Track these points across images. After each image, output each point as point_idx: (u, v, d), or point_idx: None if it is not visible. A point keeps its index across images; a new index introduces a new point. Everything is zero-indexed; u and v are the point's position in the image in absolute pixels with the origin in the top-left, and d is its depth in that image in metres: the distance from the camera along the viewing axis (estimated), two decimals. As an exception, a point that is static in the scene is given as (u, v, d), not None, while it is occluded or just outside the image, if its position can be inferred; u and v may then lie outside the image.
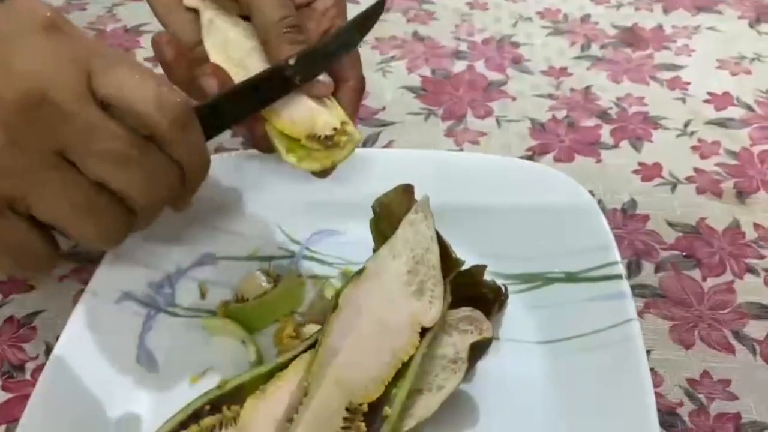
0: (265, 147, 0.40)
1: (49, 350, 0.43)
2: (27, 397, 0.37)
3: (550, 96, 0.61)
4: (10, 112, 0.30)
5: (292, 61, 0.38)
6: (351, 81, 0.41)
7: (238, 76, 0.38)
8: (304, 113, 0.39)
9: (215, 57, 0.39)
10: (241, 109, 0.37)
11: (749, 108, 0.60)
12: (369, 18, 0.41)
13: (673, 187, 0.53)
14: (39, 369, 0.41)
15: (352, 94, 0.41)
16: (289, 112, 0.39)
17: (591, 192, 0.48)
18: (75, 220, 0.32)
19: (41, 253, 0.34)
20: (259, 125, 0.39)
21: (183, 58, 0.38)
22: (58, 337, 0.40)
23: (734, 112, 0.59)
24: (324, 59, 0.39)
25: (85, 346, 0.40)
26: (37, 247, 0.34)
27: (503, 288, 0.42)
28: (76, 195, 0.32)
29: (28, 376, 0.42)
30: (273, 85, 0.38)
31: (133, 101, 0.31)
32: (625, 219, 0.51)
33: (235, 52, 0.39)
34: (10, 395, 0.41)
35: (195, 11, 0.40)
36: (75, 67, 0.31)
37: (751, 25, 0.69)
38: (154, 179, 0.33)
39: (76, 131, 0.31)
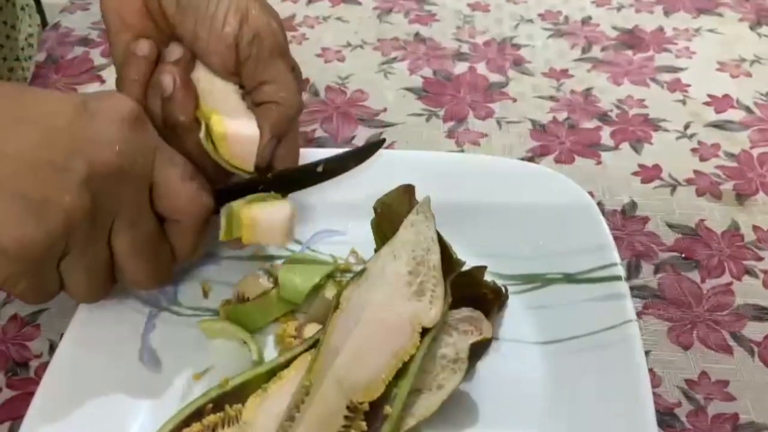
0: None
1: (52, 348, 0.43)
2: (31, 394, 0.38)
3: (551, 98, 0.61)
4: (98, 176, 0.35)
5: (320, 168, 0.43)
6: (278, 104, 0.42)
7: (225, 123, 0.41)
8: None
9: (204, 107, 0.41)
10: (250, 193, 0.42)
11: (749, 110, 0.60)
12: (369, 151, 0.46)
13: (673, 188, 0.53)
14: (43, 367, 0.41)
15: (272, 114, 0.42)
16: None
17: (591, 193, 0.48)
18: (81, 283, 0.38)
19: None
20: None
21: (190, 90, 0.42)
22: (61, 336, 0.40)
23: (734, 114, 0.60)
24: (326, 175, 0.44)
25: (88, 345, 0.40)
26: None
27: (503, 289, 0.43)
28: (95, 262, 0.37)
29: (32, 374, 0.42)
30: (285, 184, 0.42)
31: (175, 193, 0.38)
32: (625, 220, 0.51)
33: (221, 104, 0.41)
34: (14, 392, 0.42)
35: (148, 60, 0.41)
36: (147, 155, 0.37)
37: (751, 28, 0.70)
38: (154, 264, 0.39)
39: (130, 208, 0.37)
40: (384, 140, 0.48)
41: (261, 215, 0.40)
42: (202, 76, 0.42)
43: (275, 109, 0.41)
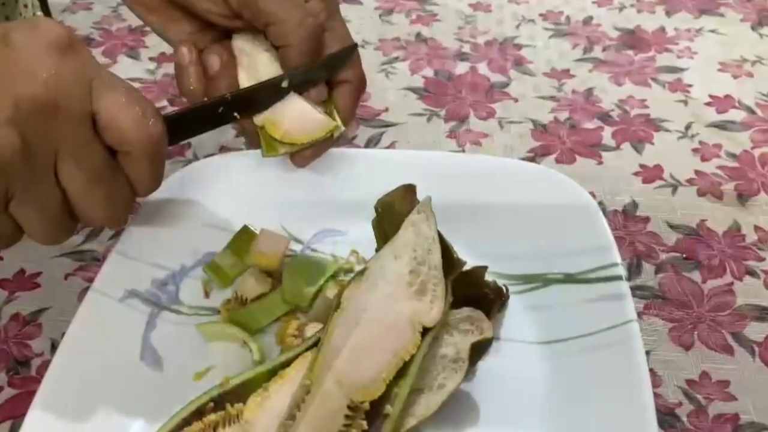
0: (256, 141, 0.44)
1: (54, 347, 0.43)
2: (32, 393, 0.38)
3: (552, 98, 0.61)
4: (25, 112, 0.33)
5: (284, 84, 0.42)
6: (349, 81, 0.44)
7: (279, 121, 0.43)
8: (297, 115, 0.43)
9: (245, 80, 0.43)
10: (210, 121, 0.42)
11: (750, 111, 0.60)
12: (338, 59, 0.45)
13: (674, 189, 0.53)
14: (44, 365, 0.41)
15: (349, 94, 0.44)
16: (282, 117, 0.43)
17: (592, 193, 0.48)
18: (38, 225, 0.36)
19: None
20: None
21: (199, 64, 0.43)
22: (63, 335, 0.40)
23: (735, 114, 0.60)
24: (290, 90, 0.43)
25: (89, 344, 0.40)
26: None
27: (504, 288, 0.42)
28: (47, 202, 0.35)
29: (33, 373, 0.42)
30: (243, 103, 0.42)
31: (119, 122, 0.35)
32: (626, 220, 0.51)
33: (263, 73, 0.43)
34: (15, 391, 0.42)
35: (188, 25, 0.44)
36: (81, 84, 0.34)
37: (753, 28, 0.70)
38: (111, 199, 0.37)
39: (71, 142, 0.34)
40: (356, 45, 0.46)
41: (284, 110, 0.42)
42: (242, 47, 0.43)
43: (294, 48, 0.41)
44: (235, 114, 0.41)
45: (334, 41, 0.44)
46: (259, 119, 0.43)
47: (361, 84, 0.44)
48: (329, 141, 0.45)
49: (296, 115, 0.43)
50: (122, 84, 0.36)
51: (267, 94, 0.42)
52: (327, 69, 0.44)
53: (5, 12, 0.60)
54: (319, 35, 0.43)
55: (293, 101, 0.43)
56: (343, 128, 0.43)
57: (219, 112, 0.41)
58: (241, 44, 0.44)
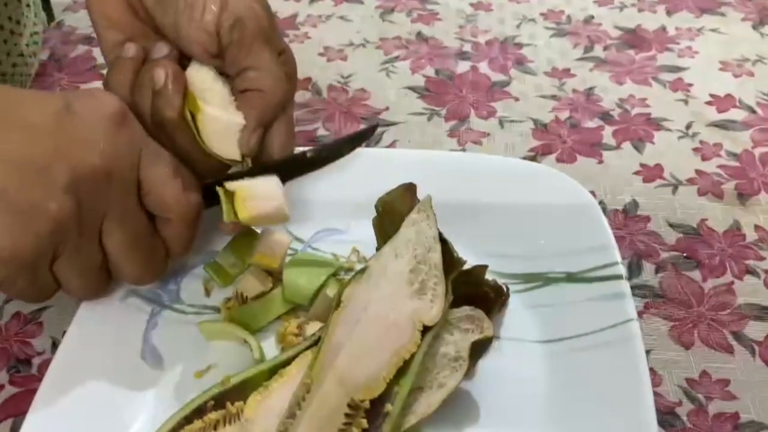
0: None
1: (55, 346, 0.43)
2: (33, 391, 0.38)
3: (553, 97, 0.61)
4: (82, 180, 0.35)
5: (309, 154, 0.45)
6: (262, 92, 0.42)
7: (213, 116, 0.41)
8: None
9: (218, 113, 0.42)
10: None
11: (751, 110, 0.60)
12: (362, 137, 0.47)
13: (675, 188, 0.53)
14: (45, 364, 0.41)
15: (255, 100, 0.41)
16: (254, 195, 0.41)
17: (592, 193, 0.48)
18: (76, 282, 0.39)
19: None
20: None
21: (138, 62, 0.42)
22: (64, 333, 0.40)
23: (736, 114, 0.60)
24: (318, 162, 0.46)
25: (90, 342, 0.41)
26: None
27: (504, 287, 0.43)
28: (89, 262, 0.38)
29: (34, 371, 0.43)
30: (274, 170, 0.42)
31: (162, 191, 0.38)
32: (626, 220, 0.51)
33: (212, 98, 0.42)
34: (17, 389, 0.42)
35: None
36: (132, 154, 0.37)
37: (754, 27, 0.69)
38: (147, 261, 0.39)
39: (118, 208, 0.37)
40: (377, 125, 0.48)
41: (255, 184, 0.41)
42: (194, 75, 0.42)
43: (258, 97, 0.41)
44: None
45: (281, 125, 0.43)
46: (233, 186, 0.41)
47: (275, 95, 0.42)
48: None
49: (267, 201, 0.41)
50: (167, 155, 0.39)
51: (293, 164, 0.44)
52: (351, 145, 0.46)
53: (8, 13, 0.60)
54: (293, 85, 0.43)
55: (274, 186, 0.41)
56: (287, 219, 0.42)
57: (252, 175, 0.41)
58: (200, 78, 0.42)
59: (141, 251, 0.38)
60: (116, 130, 0.36)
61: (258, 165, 0.42)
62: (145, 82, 0.40)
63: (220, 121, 0.41)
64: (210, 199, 0.41)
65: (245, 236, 0.44)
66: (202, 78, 0.42)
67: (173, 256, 0.41)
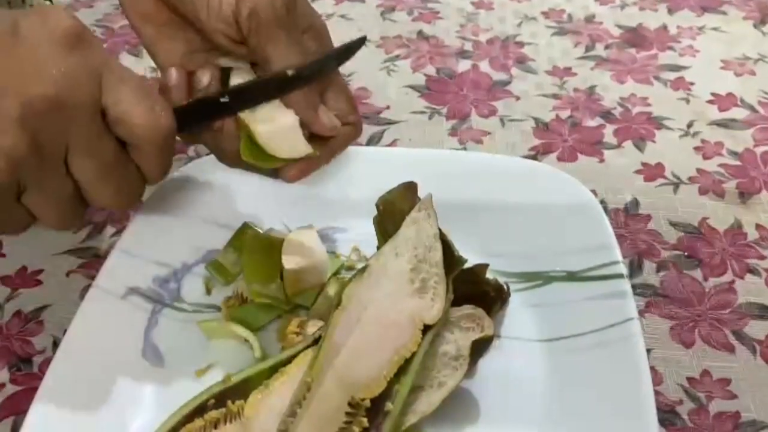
0: (230, 154, 0.42)
1: (56, 344, 0.44)
2: (34, 389, 0.38)
3: (554, 96, 0.61)
4: (34, 111, 0.33)
5: (290, 72, 0.40)
6: (352, 124, 0.42)
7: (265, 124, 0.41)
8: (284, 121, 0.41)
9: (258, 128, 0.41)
10: (221, 112, 0.41)
11: (753, 109, 0.60)
12: (348, 51, 0.43)
13: (676, 187, 0.53)
14: (46, 362, 0.41)
15: (346, 137, 0.42)
16: (269, 118, 0.41)
17: (594, 191, 0.48)
18: (50, 212, 0.36)
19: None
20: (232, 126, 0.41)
21: (184, 85, 0.41)
22: (65, 331, 0.40)
23: (738, 112, 0.60)
24: (300, 81, 0.41)
25: (91, 341, 0.40)
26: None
27: (505, 286, 0.43)
28: (59, 192, 0.36)
29: (35, 369, 0.43)
30: (254, 94, 0.41)
31: (128, 116, 0.35)
32: (627, 219, 0.51)
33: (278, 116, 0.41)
34: (17, 388, 0.42)
35: (183, 44, 0.42)
36: (91, 78, 0.34)
37: (755, 26, 0.69)
38: (121, 187, 0.37)
39: (81, 136, 0.34)
40: (365, 38, 0.44)
41: (274, 117, 0.40)
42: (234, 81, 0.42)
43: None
44: (242, 105, 0.40)
45: (339, 93, 0.43)
46: (245, 116, 0.40)
47: (359, 131, 0.43)
48: (313, 162, 0.42)
49: (282, 128, 0.41)
50: (132, 77, 0.36)
51: (273, 85, 0.41)
52: (337, 60, 0.43)
53: None
54: (313, 86, 0.41)
55: (285, 113, 0.41)
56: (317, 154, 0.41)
57: (226, 102, 0.40)
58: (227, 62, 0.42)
59: (112, 179, 0.36)
60: (69, 52, 0.33)
61: (233, 89, 0.41)
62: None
63: (274, 131, 0.40)
64: (187, 125, 0.39)
65: (245, 234, 0.44)
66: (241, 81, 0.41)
67: (150, 183, 0.39)
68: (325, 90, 0.42)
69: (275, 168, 0.41)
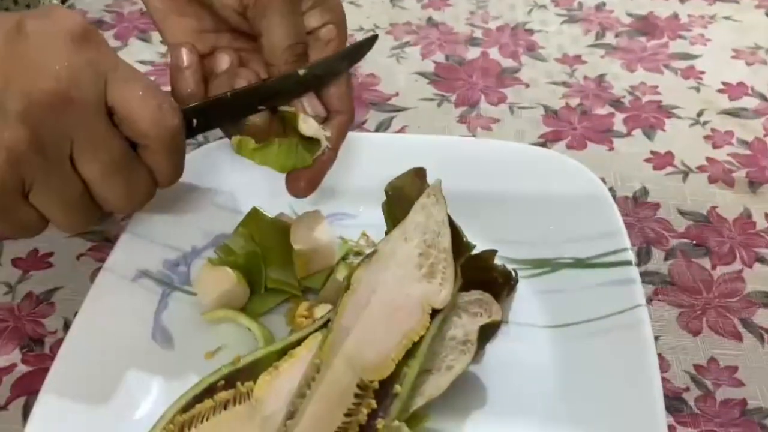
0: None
1: (67, 326, 0.44)
2: (46, 370, 0.38)
3: (564, 83, 0.61)
4: (36, 106, 0.33)
5: (302, 71, 0.40)
6: (342, 114, 0.42)
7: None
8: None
9: None
10: (232, 113, 0.40)
11: (763, 98, 0.60)
12: (360, 50, 0.43)
13: (685, 175, 0.53)
14: (57, 343, 0.42)
15: (340, 125, 0.42)
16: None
17: (603, 179, 0.48)
18: (60, 213, 0.36)
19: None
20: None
21: (199, 66, 0.41)
22: (76, 313, 0.41)
23: (748, 102, 0.59)
24: (312, 81, 0.41)
25: (102, 322, 0.41)
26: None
27: (513, 272, 0.43)
28: (66, 192, 0.36)
29: (47, 350, 0.43)
30: (265, 96, 0.40)
31: (135, 115, 0.35)
32: (636, 207, 0.51)
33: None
34: (29, 368, 0.42)
35: (193, 20, 0.42)
36: (97, 77, 0.34)
37: (767, 15, 0.69)
38: (131, 188, 0.37)
39: (85, 134, 0.34)
40: (377, 36, 0.44)
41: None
42: None
43: (276, 70, 0.40)
44: (259, 107, 0.40)
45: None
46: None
47: (352, 117, 0.42)
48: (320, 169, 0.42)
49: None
50: (139, 76, 0.36)
51: (287, 85, 0.40)
52: (348, 60, 0.42)
53: (25, 1, 0.61)
54: (301, 66, 0.41)
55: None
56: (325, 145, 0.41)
57: (238, 104, 0.40)
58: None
59: (121, 179, 0.36)
60: (75, 49, 0.33)
61: (243, 90, 0.40)
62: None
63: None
64: (198, 126, 0.39)
65: (254, 219, 0.45)
66: None
67: (161, 185, 0.38)
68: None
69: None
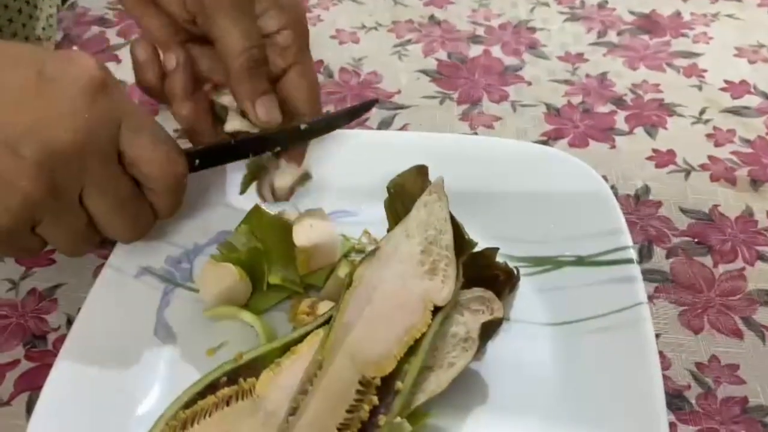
0: None
1: (70, 322, 0.44)
2: (49, 366, 0.38)
3: (566, 81, 0.61)
4: (54, 156, 0.34)
5: (303, 126, 0.45)
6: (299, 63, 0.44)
7: None
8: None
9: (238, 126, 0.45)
10: (233, 157, 0.44)
11: (766, 96, 0.59)
12: (359, 112, 0.48)
13: (687, 174, 0.53)
14: (60, 340, 0.42)
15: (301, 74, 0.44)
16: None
17: (604, 177, 0.48)
18: (63, 242, 0.38)
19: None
20: None
21: (155, 61, 0.43)
22: (78, 310, 0.41)
23: (750, 100, 0.59)
24: (310, 135, 0.46)
25: (104, 319, 0.41)
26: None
27: (515, 270, 0.43)
28: (72, 224, 0.37)
29: (50, 347, 0.43)
30: (265, 144, 0.44)
31: (145, 163, 0.37)
32: (638, 205, 0.51)
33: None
34: (32, 364, 0.42)
35: (166, 19, 0.44)
36: (111, 124, 0.36)
37: (770, 13, 0.69)
38: (134, 221, 0.39)
39: (97, 177, 0.36)
40: (377, 100, 0.49)
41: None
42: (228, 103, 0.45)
43: (231, 74, 0.42)
44: (257, 153, 0.44)
45: (301, 77, 0.44)
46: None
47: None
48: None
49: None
50: (149, 123, 0.38)
51: (285, 136, 0.44)
52: (348, 117, 0.46)
53: (28, 11, 0.61)
54: (260, 70, 0.42)
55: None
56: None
57: (239, 149, 0.43)
58: (227, 101, 0.45)
59: (126, 214, 0.38)
60: (93, 100, 0.35)
61: (248, 138, 0.44)
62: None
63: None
64: (200, 165, 0.42)
65: (256, 216, 0.45)
66: None
67: (160, 219, 0.41)
68: (287, 72, 0.44)
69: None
